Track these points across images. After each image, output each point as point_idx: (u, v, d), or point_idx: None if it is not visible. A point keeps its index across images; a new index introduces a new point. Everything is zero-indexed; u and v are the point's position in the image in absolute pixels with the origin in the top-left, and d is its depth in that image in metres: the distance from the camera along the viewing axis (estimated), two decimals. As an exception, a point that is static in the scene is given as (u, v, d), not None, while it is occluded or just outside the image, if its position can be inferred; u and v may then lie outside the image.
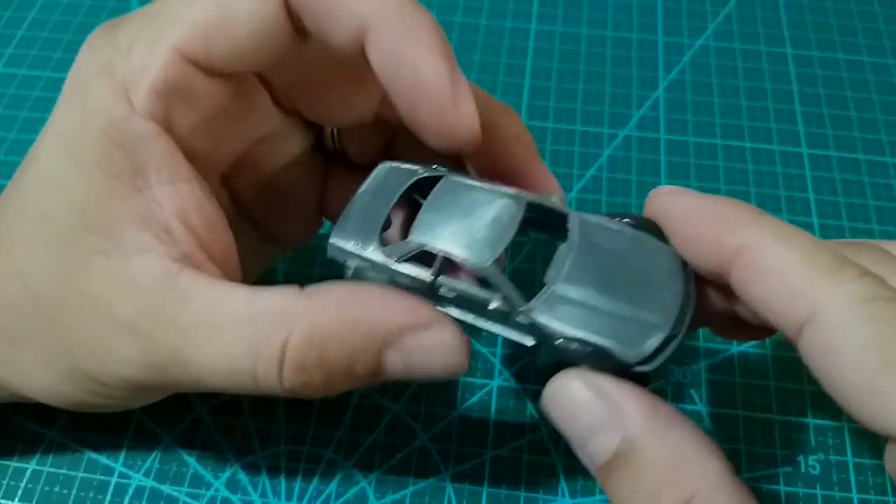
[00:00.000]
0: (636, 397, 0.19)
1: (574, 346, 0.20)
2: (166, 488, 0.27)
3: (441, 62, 0.20)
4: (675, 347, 0.20)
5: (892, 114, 0.37)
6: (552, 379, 0.20)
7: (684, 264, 0.21)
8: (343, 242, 0.22)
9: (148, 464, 0.27)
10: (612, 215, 0.23)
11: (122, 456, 0.27)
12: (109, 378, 0.21)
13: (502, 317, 0.21)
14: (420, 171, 0.23)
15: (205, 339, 0.20)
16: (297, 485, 0.27)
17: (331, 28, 0.20)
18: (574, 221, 0.22)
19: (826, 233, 0.33)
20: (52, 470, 0.27)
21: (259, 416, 0.28)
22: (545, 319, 0.20)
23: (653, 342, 0.20)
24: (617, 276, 0.21)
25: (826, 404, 0.29)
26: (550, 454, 0.28)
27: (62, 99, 0.22)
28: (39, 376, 0.22)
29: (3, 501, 0.26)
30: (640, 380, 0.20)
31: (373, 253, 0.22)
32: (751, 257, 0.19)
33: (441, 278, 0.21)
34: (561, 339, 0.20)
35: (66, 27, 0.40)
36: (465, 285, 0.21)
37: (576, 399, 0.20)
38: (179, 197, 0.21)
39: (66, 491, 0.27)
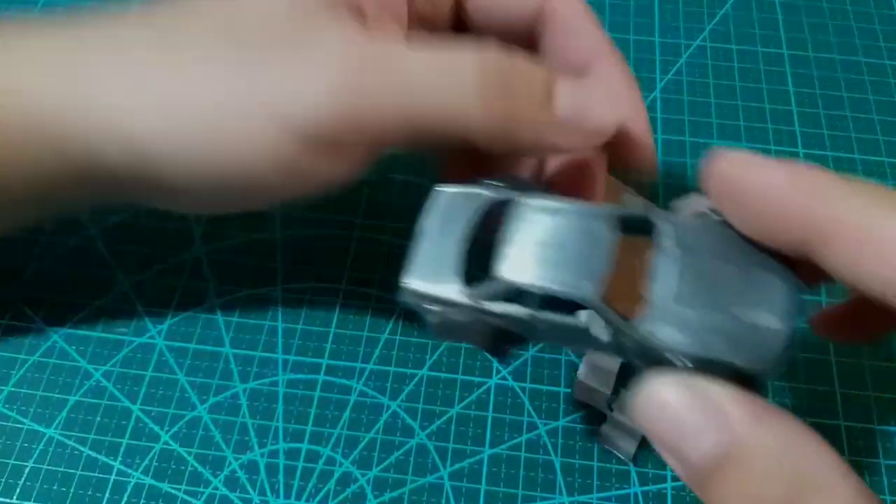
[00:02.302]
0: (739, 397, 0.17)
1: (689, 362, 0.18)
2: (165, 486, 0.27)
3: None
4: (794, 344, 0.18)
5: (888, 114, 0.37)
6: (644, 383, 0.18)
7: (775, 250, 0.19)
8: (420, 285, 0.21)
9: (146, 462, 0.27)
10: (683, 201, 0.22)
11: (120, 454, 0.27)
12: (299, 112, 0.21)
13: (603, 343, 0.20)
14: (483, 193, 0.22)
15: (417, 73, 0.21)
16: (296, 483, 0.27)
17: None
18: (664, 226, 0.20)
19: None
20: (50, 468, 0.27)
21: (257, 414, 0.28)
22: (658, 341, 0.18)
23: (776, 346, 0.18)
24: (721, 278, 0.19)
25: (823, 405, 0.29)
26: (548, 452, 0.28)
27: None
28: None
29: (1, 499, 0.26)
30: (753, 383, 0.18)
31: (457, 295, 0.20)
32: (856, 231, 0.17)
33: (538, 314, 0.20)
34: (676, 358, 0.18)
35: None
36: (566, 318, 0.19)
37: (673, 403, 0.17)
38: None
39: (64, 489, 0.27)
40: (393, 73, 0.21)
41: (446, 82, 0.21)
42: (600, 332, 0.19)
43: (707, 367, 0.18)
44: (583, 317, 0.19)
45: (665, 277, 0.19)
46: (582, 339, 0.20)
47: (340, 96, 0.21)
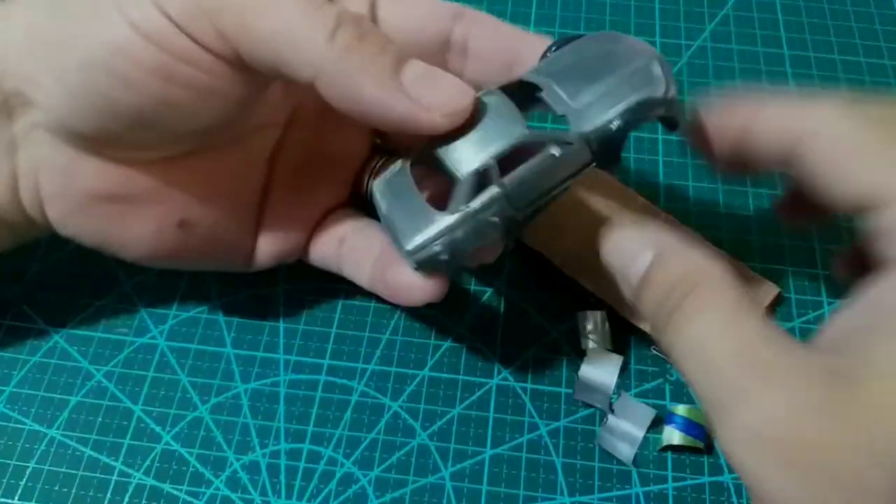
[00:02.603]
0: (662, 229, 0.22)
1: (625, 118, 0.23)
2: (166, 487, 0.27)
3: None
4: (671, 70, 0.24)
5: (889, 114, 0.37)
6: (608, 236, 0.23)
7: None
8: (418, 239, 0.24)
9: (148, 462, 0.27)
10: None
11: (121, 454, 0.27)
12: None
13: (565, 157, 0.23)
14: (403, 163, 0.26)
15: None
16: (297, 483, 0.27)
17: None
18: (534, 76, 0.24)
19: (823, 231, 0.33)
20: (51, 468, 0.27)
21: (259, 414, 0.28)
22: (595, 123, 0.23)
23: (658, 71, 0.24)
24: (594, 72, 0.24)
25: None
26: (550, 453, 0.28)
27: None
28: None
29: (3, 500, 0.26)
30: (673, 119, 0.24)
31: (448, 219, 0.23)
32: (812, 142, 0.22)
33: (506, 180, 0.23)
34: (613, 123, 0.23)
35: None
36: (524, 166, 0.23)
37: (622, 239, 0.22)
38: None
39: (65, 489, 0.27)
40: None
41: (302, 16, 0.22)
42: (555, 150, 0.23)
43: (635, 115, 0.23)
44: (540, 155, 0.23)
45: (558, 96, 0.24)
46: (550, 172, 0.23)
47: None
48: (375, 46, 0.22)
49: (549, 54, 0.25)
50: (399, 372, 0.29)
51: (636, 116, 0.23)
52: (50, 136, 0.24)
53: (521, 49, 0.26)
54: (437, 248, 0.23)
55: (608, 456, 0.28)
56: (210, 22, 0.22)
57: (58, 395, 0.29)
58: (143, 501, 0.26)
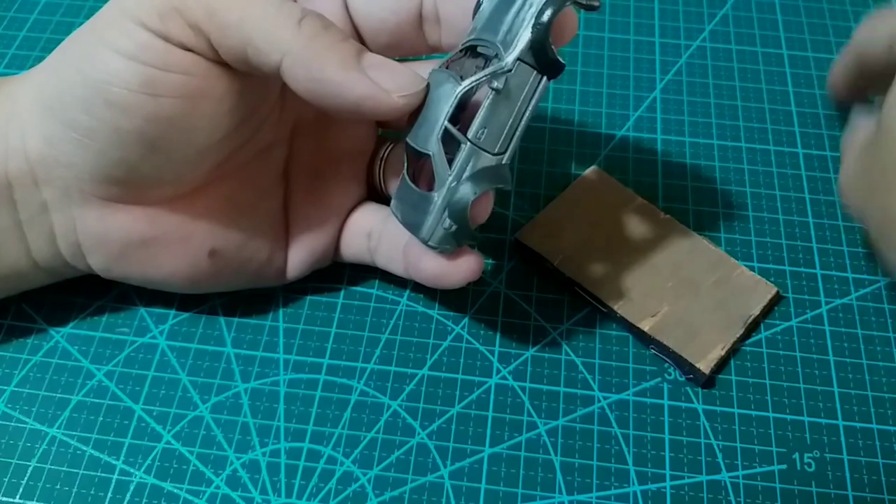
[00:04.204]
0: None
1: (538, 20, 0.23)
2: (167, 486, 0.27)
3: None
4: None
5: (888, 114, 0.37)
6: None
7: None
8: (429, 223, 0.25)
9: (149, 461, 0.27)
10: None
11: (122, 453, 0.28)
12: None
13: (509, 86, 0.24)
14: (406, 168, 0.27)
15: None
16: (297, 482, 0.27)
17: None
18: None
19: (821, 231, 0.33)
20: (53, 467, 0.27)
21: (259, 413, 0.28)
22: (512, 45, 0.24)
23: None
24: None
25: (821, 404, 0.29)
26: (548, 451, 0.28)
27: None
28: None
29: (4, 499, 0.27)
30: (588, 4, 0.24)
31: (440, 195, 0.25)
32: None
33: (469, 133, 0.24)
34: (529, 30, 0.23)
35: (68, 29, 0.40)
36: (478, 112, 0.24)
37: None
38: None
39: (67, 488, 0.27)
40: None
41: (270, 7, 0.23)
42: (495, 84, 0.24)
43: (545, 15, 0.23)
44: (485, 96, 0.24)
45: (490, 42, 0.24)
46: (503, 104, 0.24)
47: None
48: (338, 35, 0.24)
49: (479, 8, 0.26)
50: (398, 371, 0.30)
51: (548, 14, 0.23)
52: (78, 194, 0.25)
53: None
54: (446, 223, 0.25)
55: (606, 454, 0.28)
56: (182, 17, 0.23)
57: (59, 395, 0.29)
58: (144, 500, 0.27)
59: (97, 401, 0.29)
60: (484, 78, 0.24)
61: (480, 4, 0.25)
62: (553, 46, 0.24)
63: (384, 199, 0.30)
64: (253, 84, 0.25)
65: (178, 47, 0.23)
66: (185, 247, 0.27)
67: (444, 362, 0.30)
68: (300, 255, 0.30)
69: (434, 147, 0.24)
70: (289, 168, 0.30)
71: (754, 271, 0.31)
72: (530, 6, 0.24)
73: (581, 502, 0.27)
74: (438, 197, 0.25)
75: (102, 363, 0.30)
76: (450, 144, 0.24)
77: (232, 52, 0.23)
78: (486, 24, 0.25)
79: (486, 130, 0.24)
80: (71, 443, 0.28)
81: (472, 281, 0.26)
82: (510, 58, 0.24)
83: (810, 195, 0.34)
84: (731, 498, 0.27)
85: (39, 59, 0.39)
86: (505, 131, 0.24)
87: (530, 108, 0.25)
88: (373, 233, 0.29)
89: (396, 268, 0.29)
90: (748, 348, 0.30)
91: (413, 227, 0.26)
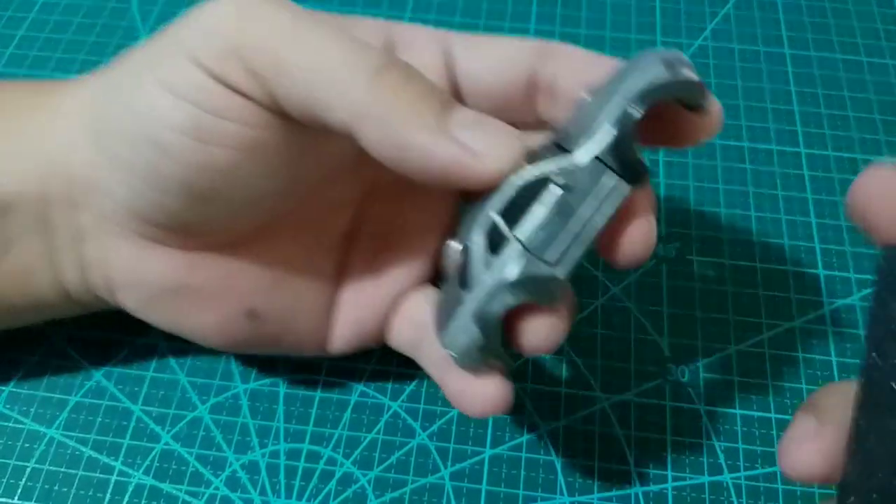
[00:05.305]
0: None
1: (625, 113, 0.20)
2: (166, 486, 0.27)
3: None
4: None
5: (890, 114, 0.37)
6: None
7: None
8: (452, 327, 0.21)
9: (147, 462, 0.27)
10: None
11: (121, 454, 0.27)
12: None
13: (575, 187, 0.20)
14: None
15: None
16: (297, 483, 0.27)
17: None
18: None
19: (824, 232, 0.33)
20: (51, 468, 0.27)
21: (258, 414, 0.28)
22: (590, 140, 0.20)
23: (657, 61, 0.20)
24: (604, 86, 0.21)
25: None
26: (549, 452, 0.28)
27: None
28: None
29: (2, 500, 0.26)
30: (692, 101, 0.21)
31: (470, 296, 0.20)
32: None
33: (518, 232, 0.20)
34: (610, 125, 0.20)
35: (66, 27, 0.40)
36: (531, 212, 0.20)
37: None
38: None
39: (65, 489, 0.27)
40: (296, 22, 0.20)
41: (346, 48, 0.20)
42: (558, 180, 0.20)
43: (634, 109, 0.20)
44: (543, 193, 0.20)
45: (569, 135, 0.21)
46: (564, 207, 0.20)
47: (233, 22, 0.20)
48: (422, 87, 0.20)
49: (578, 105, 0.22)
50: (398, 372, 0.29)
51: (638, 110, 0.20)
52: (115, 225, 0.23)
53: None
54: (472, 332, 0.21)
55: (608, 456, 0.28)
56: (243, 63, 0.20)
57: (57, 395, 0.29)
58: (143, 501, 0.26)
59: (96, 401, 0.29)
60: (550, 171, 0.20)
61: (583, 101, 0.21)
62: (639, 148, 0.20)
63: None
64: (322, 139, 0.22)
65: (236, 93, 0.20)
66: (224, 301, 0.25)
67: (444, 363, 0.30)
68: (346, 331, 0.26)
69: (476, 240, 0.20)
70: (351, 234, 0.26)
71: (756, 272, 0.31)
72: (623, 98, 0.20)
73: (583, 503, 0.27)
74: (469, 299, 0.21)
75: (101, 364, 0.29)
76: (497, 240, 0.20)
77: (297, 107, 0.20)
78: (577, 118, 0.21)
79: (542, 233, 0.20)
80: (69, 443, 0.28)
81: (493, 415, 0.23)
82: (585, 153, 0.20)
83: (813, 195, 0.34)
84: (734, 499, 0.27)
85: (38, 58, 0.39)
86: (566, 238, 0.20)
87: (602, 216, 0.20)
88: (420, 324, 0.25)
89: (433, 373, 0.25)
90: (750, 349, 0.30)
91: (438, 329, 0.22)
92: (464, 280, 0.21)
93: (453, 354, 0.22)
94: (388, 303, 0.26)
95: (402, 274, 0.26)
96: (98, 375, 0.29)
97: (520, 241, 0.20)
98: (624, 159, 0.20)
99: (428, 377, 0.29)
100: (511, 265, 0.20)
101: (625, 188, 0.20)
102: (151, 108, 0.21)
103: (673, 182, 0.34)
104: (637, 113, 0.20)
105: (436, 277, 0.26)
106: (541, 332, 0.21)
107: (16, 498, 0.27)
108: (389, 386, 0.29)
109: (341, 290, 0.26)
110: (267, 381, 0.29)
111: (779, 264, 0.32)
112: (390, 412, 0.29)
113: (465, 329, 0.21)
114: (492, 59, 0.24)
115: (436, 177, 0.20)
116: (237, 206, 0.23)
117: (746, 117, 0.37)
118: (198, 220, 0.23)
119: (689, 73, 0.20)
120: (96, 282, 0.25)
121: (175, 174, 0.21)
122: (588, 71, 0.22)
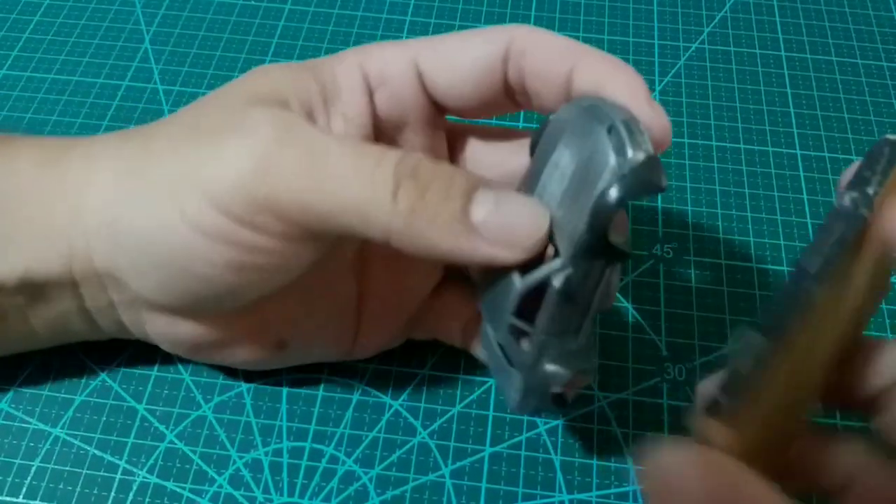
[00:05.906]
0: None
1: (590, 225, 0.21)
2: (170, 485, 0.27)
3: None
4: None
5: (886, 116, 0.38)
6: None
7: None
8: (515, 397, 0.24)
9: (151, 460, 0.28)
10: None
11: (126, 453, 0.28)
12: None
13: (571, 281, 0.22)
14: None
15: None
16: (299, 481, 0.27)
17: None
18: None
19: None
20: (56, 467, 0.27)
21: (261, 413, 0.29)
22: (571, 243, 0.21)
23: (609, 161, 0.21)
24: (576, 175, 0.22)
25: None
26: (548, 451, 0.28)
27: None
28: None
29: (7, 498, 0.27)
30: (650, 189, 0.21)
31: (518, 376, 0.24)
32: None
33: (538, 323, 0.22)
34: (583, 234, 0.21)
35: (70, 31, 0.40)
36: (541, 310, 0.22)
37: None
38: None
39: (70, 487, 0.27)
40: (312, 158, 0.21)
41: (363, 173, 0.21)
42: (557, 281, 0.21)
43: (597, 224, 0.20)
44: (546, 292, 0.22)
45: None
46: (567, 299, 0.22)
47: (256, 173, 0.21)
48: (440, 195, 0.21)
49: (533, 156, 0.24)
50: (400, 371, 0.30)
51: (609, 207, 0.20)
52: (145, 303, 0.25)
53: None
54: (531, 401, 0.24)
55: (606, 453, 0.28)
56: (272, 213, 0.21)
57: (62, 395, 0.29)
58: (147, 499, 0.27)
59: (100, 400, 0.29)
60: (547, 274, 0.21)
61: (532, 151, 0.23)
62: (616, 230, 0.21)
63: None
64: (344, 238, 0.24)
65: (265, 233, 0.22)
66: (257, 342, 0.27)
67: (445, 362, 0.30)
68: (369, 339, 0.28)
69: (505, 340, 0.23)
70: (365, 255, 0.27)
71: (752, 273, 0.32)
72: (583, 208, 0.21)
73: (581, 501, 0.27)
74: (518, 378, 0.23)
75: (106, 363, 0.30)
76: (521, 332, 0.23)
77: (324, 233, 0.22)
78: (551, 200, 0.22)
79: (554, 323, 0.22)
80: (74, 442, 0.28)
81: None
82: (565, 257, 0.21)
83: (808, 196, 0.35)
84: (731, 496, 0.27)
85: (42, 61, 0.39)
86: (575, 317, 0.22)
87: (598, 294, 0.22)
88: (467, 327, 0.28)
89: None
90: (747, 348, 0.30)
91: (504, 394, 0.25)
92: (510, 361, 0.24)
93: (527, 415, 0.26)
94: (408, 309, 0.28)
95: (418, 281, 0.28)
96: (103, 375, 0.29)
97: (538, 333, 0.22)
98: (604, 249, 0.21)
99: (428, 377, 0.30)
100: (541, 351, 0.23)
101: (613, 267, 0.22)
102: (184, 247, 0.22)
103: (670, 183, 0.35)
104: (611, 211, 0.20)
105: (451, 270, 0.29)
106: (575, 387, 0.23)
107: (21, 496, 0.27)
108: (391, 385, 0.29)
109: (364, 302, 0.28)
110: (270, 380, 0.29)
111: (774, 264, 0.33)
112: (391, 411, 0.29)
113: (525, 399, 0.24)
114: (461, 68, 0.24)
115: (464, 263, 0.23)
116: (263, 294, 0.24)
117: (743, 120, 0.37)
118: (225, 307, 0.25)
119: (638, 152, 0.20)
120: (132, 331, 0.27)
121: (201, 290, 0.23)
122: (560, 63, 0.23)
